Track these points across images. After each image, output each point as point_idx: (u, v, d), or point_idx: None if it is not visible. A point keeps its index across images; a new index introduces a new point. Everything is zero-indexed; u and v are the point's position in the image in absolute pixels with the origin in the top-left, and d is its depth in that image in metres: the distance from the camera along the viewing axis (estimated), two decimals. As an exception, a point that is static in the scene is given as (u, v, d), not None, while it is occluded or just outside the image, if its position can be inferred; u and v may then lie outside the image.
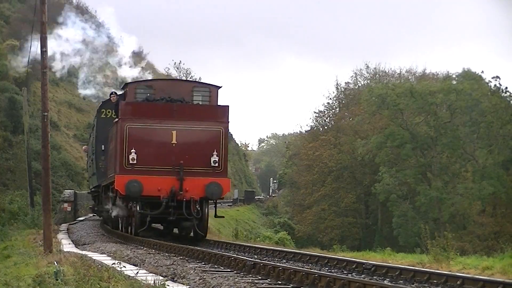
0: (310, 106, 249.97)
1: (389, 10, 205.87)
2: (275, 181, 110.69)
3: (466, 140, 44.50)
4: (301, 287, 12.54)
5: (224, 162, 23.50)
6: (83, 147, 45.90)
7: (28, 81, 55.51)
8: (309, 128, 75.71)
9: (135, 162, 22.73)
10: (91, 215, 43.34)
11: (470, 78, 47.18)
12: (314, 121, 72.23)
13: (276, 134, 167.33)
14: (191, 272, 14.40)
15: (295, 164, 76.96)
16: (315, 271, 13.82)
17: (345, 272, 15.10)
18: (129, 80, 30.49)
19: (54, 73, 49.83)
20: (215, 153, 23.03)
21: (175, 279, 13.37)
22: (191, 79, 28.46)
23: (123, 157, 22.84)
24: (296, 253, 19.72)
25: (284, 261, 17.52)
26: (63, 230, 33.07)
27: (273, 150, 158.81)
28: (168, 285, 11.12)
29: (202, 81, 26.63)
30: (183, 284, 12.15)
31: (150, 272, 14.23)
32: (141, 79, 25.34)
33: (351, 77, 71.87)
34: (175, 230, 27.65)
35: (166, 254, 19.33)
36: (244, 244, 23.86)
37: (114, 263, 15.90)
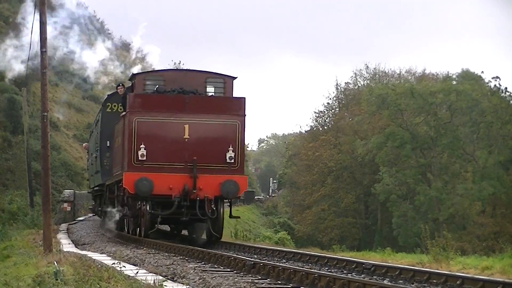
0: (310, 106, 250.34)
1: (387, 10, 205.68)
2: (274, 181, 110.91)
3: (466, 140, 44.56)
4: (301, 287, 12.53)
5: (241, 158, 21.94)
6: (84, 145, 45.24)
7: (27, 81, 55.42)
8: (309, 128, 75.90)
9: (144, 158, 21.21)
10: (91, 215, 43.30)
11: (469, 78, 47.26)
12: (314, 121, 72.40)
13: (276, 134, 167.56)
14: (191, 272, 14.39)
15: (294, 164, 76.96)
16: (315, 271, 13.83)
17: (344, 272, 15.10)
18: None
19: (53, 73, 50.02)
20: (230, 148, 21.51)
21: (175, 279, 13.35)
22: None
23: (132, 153, 21.39)
24: (296, 253, 19.72)
25: (284, 261, 17.52)
26: (63, 230, 33.06)
27: (272, 150, 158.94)
28: (168, 285, 11.06)
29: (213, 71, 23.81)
30: (183, 284, 12.12)
31: (150, 272, 14.22)
32: (150, 70, 23.46)
33: (350, 77, 71.84)
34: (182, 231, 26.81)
35: (166, 254, 19.29)
36: (244, 244, 23.43)
37: (113, 263, 15.88)
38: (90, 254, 20.03)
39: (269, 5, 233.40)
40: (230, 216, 23.45)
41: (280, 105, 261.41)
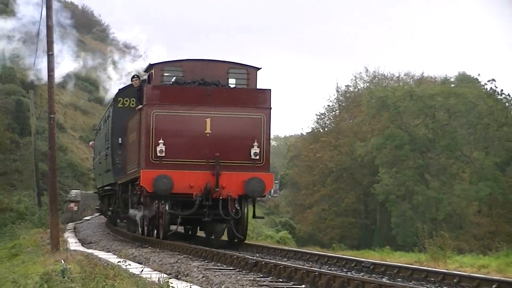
0: (311, 108, 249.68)
1: (386, 14, 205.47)
2: (276, 181, 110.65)
3: (463, 142, 44.59)
4: (302, 285, 12.52)
5: (266, 154, 20.08)
6: (90, 143, 44.94)
7: (34, 90, 55.51)
8: (310, 130, 75.93)
9: (163, 154, 19.45)
10: (97, 214, 43.35)
11: (466, 81, 47.43)
12: (315, 123, 72.46)
13: (277, 135, 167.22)
14: (195, 270, 14.41)
15: (296, 165, 76.91)
16: (315, 269, 13.86)
17: (344, 270, 15.10)
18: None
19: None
20: (255, 144, 19.76)
21: (179, 277, 13.40)
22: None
23: (150, 149, 19.64)
24: (296, 251, 19.74)
25: (285, 259, 17.51)
26: (70, 229, 33.13)
27: (274, 152, 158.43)
28: (172, 283, 11.13)
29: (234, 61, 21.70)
30: (187, 281, 12.16)
31: (155, 270, 14.29)
32: (169, 59, 21.25)
33: (351, 80, 71.92)
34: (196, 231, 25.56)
35: (170, 252, 19.18)
36: (246, 242, 22.22)
37: (119, 262, 15.95)
38: (96, 252, 20.08)
39: (268, 7, 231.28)
40: (254, 216, 21.82)
41: (282, 108, 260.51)
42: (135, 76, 23.71)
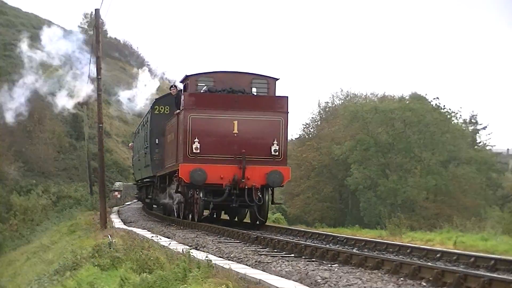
0: (298, 119, 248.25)
1: (356, 45, 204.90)
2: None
3: (415, 145, 44.52)
4: (291, 254, 12.58)
5: (284, 151, 19.24)
6: (130, 145, 44.58)
7: (87, 100, 55.67)
8: (297, 136, 76.17)
9: (198, 151, 18.47)
10: (135, 201, 43.39)
11: (417, 98, 47.50)
12: (302, 130, 72.74)
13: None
14: (210, 243, 14.49)
15: (287, 163, 76.72)
16: (302, 242, 13.93)
17: (324, 243, 15.14)
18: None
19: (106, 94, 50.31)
20: (275, 142, 18.80)
21: (198, 248, 13.45)
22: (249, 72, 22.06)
23: (187, 147, 18.63)
24: (287, 229, 19.73)
25: (279, 235, 17.48)
26: (114, 212, 33.21)
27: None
28: (192, 252, 11.21)
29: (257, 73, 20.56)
30: (204, 251, 12.24)
31: (179, 243, 14.32)
32: (201, 72, 20.09)
33: (329, 97, 72.37)
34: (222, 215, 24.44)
35: (191, 230, 19.20)
36: (249, 222, 21.68)
37: (152, 236, 16.00)
38: (134, 229, 20.08)
39: (256, 24, 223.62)
40: (273, 202, 20.64)
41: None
42: (173, 86, 22.47)
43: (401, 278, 9.48)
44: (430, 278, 9.16)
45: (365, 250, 13.56)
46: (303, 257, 12.12)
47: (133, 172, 41.14)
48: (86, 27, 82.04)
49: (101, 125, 25.77)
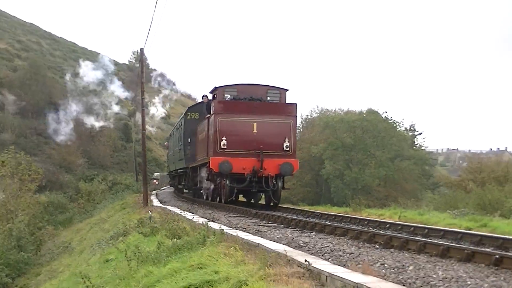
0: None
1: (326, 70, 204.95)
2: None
3: (371, 146, 44.49)
4: (282, 225, 12.51)
5: (294, 147, 17.90)
6: (165, 143, 44.28)
7: (134, 113, 55.94)
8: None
9: (225, 147, 17.22)
10: (168, 186, 43.38)
11: (372, 112, 47.48)
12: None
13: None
14: (222, 217, 14.45)
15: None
16: (289, 216, 13.90)
17: (305, 216, 15.08)
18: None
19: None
20: (286, 140, 17.51)
21: (213, 220, 13.40)
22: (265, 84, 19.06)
23: (216, 143, 17.34)
24: (279, 207, 19.62)
25: (273, 211, 17.42)
26: (153, 195, 33.22)
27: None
28: (209, 223, 11.20)
29: (272, 85, 18.98)
30: (218, 223, 12.23)
31: (200, 217, 14.32)
32: (227, 84, 18.70)
33: (308, 111, 72.74)
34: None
35: (209, 207, 19.10)
36: (250, 203, 21.10)
37: (181, 212, 16.00)
38: (168, 207, 20.10)
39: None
40: (283, 187, 18.78)
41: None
42: (205, 95, 20.61)
43: (361, 242, 9.46)
44: (382, 242, 9.14)
45: (335, 222, 13.52)
46: (290, 227, 12.06)
47: (167, 165, 41.10)
48: (133, 60, 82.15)
49: (144, 131, 25.81)
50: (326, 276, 5.95)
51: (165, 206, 20.72)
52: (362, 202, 23.34)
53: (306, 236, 10.08)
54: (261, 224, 12.64)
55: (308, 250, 8.29)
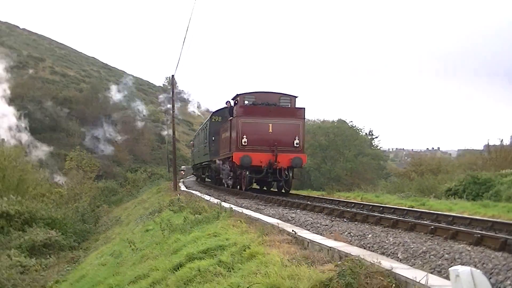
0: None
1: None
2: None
3: (340, 146, 44.25)
4: (275, 205, 12.41)
5: (302, 144, 16.32)
6: (190, 142, 43.38)
7: (167, 124, 55.90)
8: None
9: (246, 144, 15.87)
10: (192, 176, 43.26)
11: (341, 122, 47.33)
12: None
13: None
14: (231, 199, 14.39)
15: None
16: (280, 198, 13.75)
17: (292, 198, 14.82)
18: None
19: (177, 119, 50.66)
20: (296, 138, 16.07)
21: (225, 201, 13.33)
22: (278, 91, 17.27)
23: (238, 141, 16.02)
24: (272, 191, 19.45)
25: (268, 195, 17.11)
26: (181, 182, 33.15)
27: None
28: (222, 203, 11.16)
29: (284, 92, 17.27)
30: (228, 203, 12.19)
31: (215, 198, 14.26)
32: (247, 92, 17.10)
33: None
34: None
35: (221, 191, 18.88)
36: (252, 188, 20.62)
37: (201, 195, 15.95)
38: (191, 191, 20.01)
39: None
40: (293, 177, 17.12)
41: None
42: (228, 101, 18.81)
43: (333, 217, 9.40)
44: (348, 217, 9.11)
45: (314, 202, 13.48)
46: (281, 206, 12.00)
47: (191, 159, 40.99)
48: (166, 83, 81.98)
49: (174, 135, 25.73)
50: (308, 242, 5.92)
51: (189, 191, 20.66)
52: (334, 188, 23.29)
53: (293, 213, 10.05)
54: (260, 204, 12.58)
55: (294, 223, 8.24)
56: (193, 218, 9.96)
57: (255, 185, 20.05)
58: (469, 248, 5.80)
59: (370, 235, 6.89)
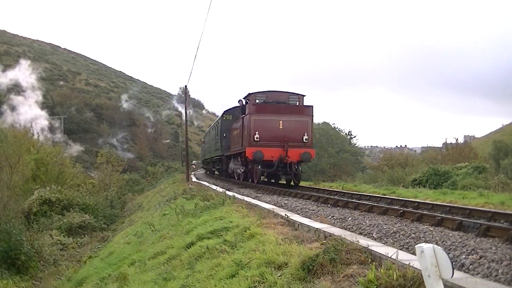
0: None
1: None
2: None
3: (325, 145, 44.03)
4: (271, 193, 12.36)
5: (311, 139, 15.02)
6: (201, 139, 42.19)
7: (181, 126, 55.69)
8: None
9: (258, 140, 14.58)
10: (201, 169, 43.07)
11: (326, 124, 47.22)
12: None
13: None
14: (235, 188, 14.31)
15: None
16: (275, 187, 13.72)
17: (284, 188, 14.72)
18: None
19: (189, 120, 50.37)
20: (305, 134, 14.74)
21: (229, 190, 13.24)
22: (287, 91, 15.89)
23: (250, 137, 14.74)
24: (271, 183, 19.22)
25: (268, 186, 16.63)
26: (192, 174, 33.03)
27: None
28: (227, 192, 11.11)
29: (292, 91, 15.59)
30: (231, 192, 12.12)
31: (221, 188, 14.17)
32: (258, 91, 15.71)
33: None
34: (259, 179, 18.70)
35: (227, 182, 18.74)
36: (271, 182, 20.73)
37: (209, 185, 15.86)
38: (202, 182, 19.89)
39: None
40: (301, 171, 15.70)
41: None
42: (240, 100, 17.06)
43: (319, 203, 9.38)
44: (332, 203, 9.08)
45: (303, 191, 13.44)
46: (276, 194, 11.97)
47: (202, 155, 40.43)
48: (180, 92, 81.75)
49: (187, 135, 25.63)
50: (298, 224, 5.90)
51: (199, 182, 20.54)
52: (320, 179, 23.14)
53: (286, 200, 10.02)
54: (258, 192, 12.53)
55: (287, 208, 8.20)
56: (202, 204, 9.92)
57: (264, 178, 18.34)
58: (432, 229, 5.81)
59: (350, 218, 6.87)
